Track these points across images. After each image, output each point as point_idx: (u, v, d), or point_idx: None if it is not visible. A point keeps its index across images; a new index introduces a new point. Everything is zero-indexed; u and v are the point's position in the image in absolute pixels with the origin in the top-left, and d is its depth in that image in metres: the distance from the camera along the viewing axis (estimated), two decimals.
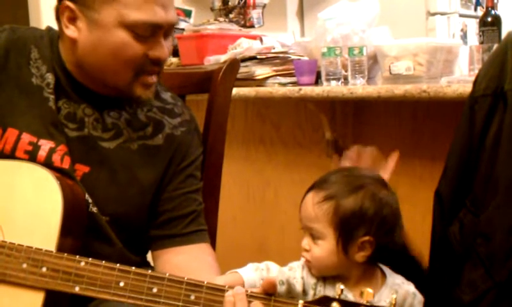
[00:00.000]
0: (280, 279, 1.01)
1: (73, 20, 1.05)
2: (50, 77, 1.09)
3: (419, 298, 1.03)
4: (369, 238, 0.99)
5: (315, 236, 1.00)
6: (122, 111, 1.14)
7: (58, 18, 1.08)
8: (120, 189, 1.11)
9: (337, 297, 0.87)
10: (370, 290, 0.86)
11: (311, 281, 1.02)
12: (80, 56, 1.07)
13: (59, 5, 1.06)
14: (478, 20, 2.06)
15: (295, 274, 1.02)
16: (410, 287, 1.03)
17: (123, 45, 1.03)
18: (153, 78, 1.09)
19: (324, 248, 1.00)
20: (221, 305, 0.90)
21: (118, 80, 1.07)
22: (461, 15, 3.34)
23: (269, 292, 0.90)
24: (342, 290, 0.87)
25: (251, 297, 0.89)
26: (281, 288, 1.01)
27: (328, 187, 1.01)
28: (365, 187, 1.01)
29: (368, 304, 0.85)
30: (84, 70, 1.08)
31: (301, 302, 0.87)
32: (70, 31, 1.06)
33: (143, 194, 1.13)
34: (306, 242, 1.02)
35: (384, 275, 1.04)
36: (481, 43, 1.90)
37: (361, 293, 0.87)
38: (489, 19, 1.92)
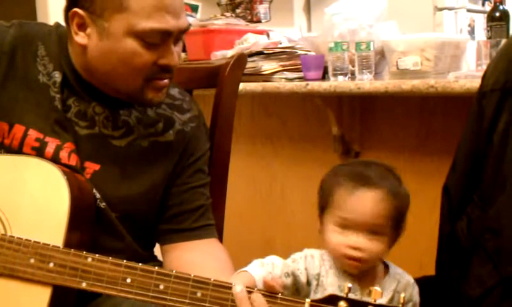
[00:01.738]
0: (285, 272, 1.01)
1: (82, 26, 1.05)
2: (57, 75, 1.09)
3: (417, 289, 1.05)
4: (403, 227, 1.03)
5: (376, 233, 1.00)
6: (132, 109, 1.14)
7: (67, 21, 1.07)
8: (130, 187, 1.11)
9: (344, 295, 0.86)
10: (378, 289, 0.86)
11: (313, 271, 1.02)
12: (89, 62, 1.07)
13: (69, 11, 1.05)
14: (486, 15, 2.05)
15: (298, 265, 1.02)
16: (410, 278, 1.05)
17: (133, 53, 1.03)
18: (164, 82, 1.08)
19: (384, 243, 1.01)
20: (228, 302, 0.90)
21: (129, 87, 1.07)
22: (468, 10, 3.32)
23: (274, 292, 0.90)
24: (349, 289, 0.87)
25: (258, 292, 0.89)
26: (288, 280, 1.01)
27: (382, 181, 1.01)
28: (401, 181, 1.04)
29: (376, 303, 0.85)
30: (94, 74, 1.08)
31: (308, 300, 0.87)
32: (80, 38, 1.05)
33: (154, 190, 1.13)
34: (361, 240, 0.99)
35: (385, 265, 1.06)
36: (489, 38, 1.89)
37: (370, 292, 0.86)
38: (497, 14, 1.91)
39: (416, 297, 1.05)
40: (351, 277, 1.02)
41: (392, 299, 1.00)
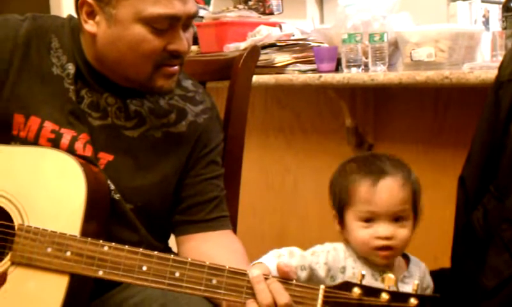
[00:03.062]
0: (301, 265, 1.01)
1: (91, 14, 1.05)
2: (70, 67, 1.10)
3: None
4: (420, 212, 1.06)
5: (402, 219, 1.02)
6: (144, 99, 1.14)
7: (77, 10, 1.08)
8: (143, 177, 1.11)
9: (359, 282, 0.86)
10: (391, 276, 0.86)
11: (338, 265, 1.03)
12: (99, 50, 1.07)
13: None
14: (501, 5, 2.03)
15: (318, 259, 1.03)
16: (423, 264, 1.09)
17: (141, 40, 1.03)
18: (174, 68, 1.08)
19: (409, 228, 1.03)
20: (243, 289, 0.90)
21: (138, 74, 1.07)
22: (483, 1, 3.27)
23: (289, 278, 0.90)
24: (363, 275, 0.87)
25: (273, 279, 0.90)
26: (302, 274, 1.01)
27: (397, 168, 1.04)
28: (409, 168, 1.07)
29: (390, 289, 0.85)
30: (104, 63, 1.08)
31: (322, 287, 0.88)
32: (89, 26, 1.06)
33: (167, 181, 1.14)
34: (388, 229, 1.01)
35: (403, 254, 1.07)
36: (504, 28, 1.87)
37: (383, 279, 0.87)
38: None
39: (431, 283, 1.08)
40: (379, 266, 1.03)
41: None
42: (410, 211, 1.03)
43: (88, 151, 1.07)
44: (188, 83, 1.22)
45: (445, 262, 1.18)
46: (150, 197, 1.12)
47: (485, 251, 1.04)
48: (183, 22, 1.05)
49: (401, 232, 1.02)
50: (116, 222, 1.08)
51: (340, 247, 1.05)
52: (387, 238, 1.00)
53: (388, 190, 1.02)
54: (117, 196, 1.09)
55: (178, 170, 1.15)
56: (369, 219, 1.02)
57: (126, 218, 1.10)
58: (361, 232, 1.02)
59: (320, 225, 2.07)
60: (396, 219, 1.02)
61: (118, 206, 1.09)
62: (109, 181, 1.08)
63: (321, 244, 1.06)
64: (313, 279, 1.02)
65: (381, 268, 1.02)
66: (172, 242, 1.22)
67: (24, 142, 1.08)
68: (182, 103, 1.18)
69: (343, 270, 1.03)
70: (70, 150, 1.06)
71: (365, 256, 1.03)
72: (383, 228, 1.01)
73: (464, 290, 1.10)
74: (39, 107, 1.08)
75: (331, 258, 1.03)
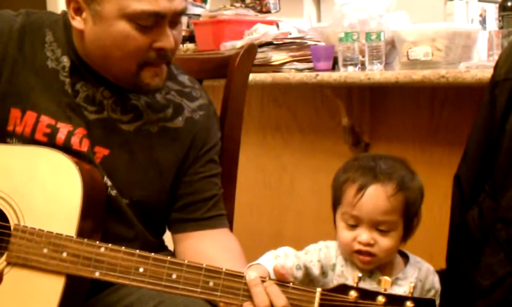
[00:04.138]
0: (296, 264, 1.02)
1: (78, 11, 1.05)
2: (65, 60, 1.09)
3: (437, 277, 1.07)
4: (417, 219, 1.04)
5: (387, 229, 1.00)
6: (140, 93, 1.13)
7: (67, 8, 1.07)
8: (139, 172, 1.11)
9: (355, 285, 0.87)
10: (387, 278, 0.87)
11: (329, 262, 1.03)
12: (87, 47, 1.07)
13: None
14: (497, 4, 2.03)
15: (311, 257, 1.03)
16: (429, 265, 1.06)
17: (126, 36, 1.02)
18: (161, 68, 1.07)
19: (396, 238, 1.01)
20: (240, 291, 0.90)
21: (124, 71, 1.06)
22: (479, 0, 3.28)
23: (285, 281, 0.90)
24: (359, 278, 0.87)
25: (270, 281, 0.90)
26: (299, 273, 1.02)
27: (391, 176, 1.01)
28: (414, 173, 1.04)
29: (386, 292, 0.85)
30: (92, 59, 1.08)
31: (318, 290, 0.88)
32: (76, 22, 1.05)
33: (163, 176, 1.13)
34: (369, 236, 1.00)
35: (403, 254, 1.06)
36: (501, 28, 1.87)
37: (379, 281, 0.87)
38: (509, 4, 1.89)
39: (437, 285, 1.06)
40: (379, 269, 1.02)
41: (415, 287, 1.00)
42: (398, 221, 1.01)
43: (85, 146, 1.07)
44: (185, 78, 1.21)
45: (441, 261, 1.18)
46: (146, 192, 1.12)
47: (480, 250, 1.04)
48: (169, 19, 1.04)
49: (384, 241, 1.00)
50: (112, 218, 1.08)
51: (332, 244, 1.06)
52: (368, 245, 1.00)
53: (373, 199, 1.00)
54: (113, 193, 1.09)
55: (174, 166, 1.14)
56: (354, 223, 1.02)
57: (122, 214, 1.10)
58: (345, 233, 1.02)
59: (316, 223, 2.07)
60: (380, 227, 1.01)
61: (114, 202, 1.09)
62: (105, 178, 1.08)
63: (315, 243, 1.06)
64: (308, 277, 1.02)
65: (370, 270, 1.02)
66: (168, 240, 1.22)
67: (20, 137, 1.07)
68: (178, 99, 1.17)
69: (333, 267, 1.03)
70: (66, 145, 1.06)
71: (347, 258, 1.04)
72: (364, 234, 1.00)
73: (459, 289, 1.11)
74: (35, 101, 1.08)
75: (323, 256, 1.04)
